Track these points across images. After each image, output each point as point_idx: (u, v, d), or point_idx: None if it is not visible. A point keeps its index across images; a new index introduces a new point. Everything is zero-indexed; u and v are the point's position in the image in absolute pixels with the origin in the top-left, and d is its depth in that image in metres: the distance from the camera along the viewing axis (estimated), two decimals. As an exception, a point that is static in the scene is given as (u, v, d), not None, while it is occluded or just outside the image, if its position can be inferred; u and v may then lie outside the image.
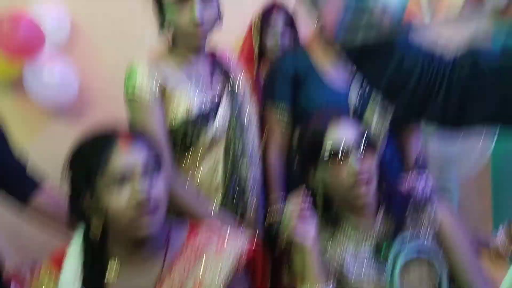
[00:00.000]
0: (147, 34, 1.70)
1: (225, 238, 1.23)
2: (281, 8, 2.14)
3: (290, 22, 2.15)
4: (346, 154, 1.27)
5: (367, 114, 1.69)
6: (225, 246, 1.20)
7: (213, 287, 1.14)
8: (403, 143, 1.86)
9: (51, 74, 2.35)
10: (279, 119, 1.74)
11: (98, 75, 2.50)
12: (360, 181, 1.26)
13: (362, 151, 1.28)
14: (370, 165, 1.28)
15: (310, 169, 1.34)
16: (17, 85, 2.42)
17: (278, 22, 2.12)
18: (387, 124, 1.74)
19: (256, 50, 2.17)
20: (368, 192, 1.27)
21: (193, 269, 1.17)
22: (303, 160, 1.36)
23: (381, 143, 1.73)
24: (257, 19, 2.16)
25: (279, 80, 1.73)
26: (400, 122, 1.82)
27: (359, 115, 1.68)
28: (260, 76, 2.09)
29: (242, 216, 1.56)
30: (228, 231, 1.27)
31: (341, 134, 1.29)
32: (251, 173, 1.59)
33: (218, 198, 1.53)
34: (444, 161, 2.20)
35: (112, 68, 2.32)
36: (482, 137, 2.13)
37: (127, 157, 1.12)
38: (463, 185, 2.39)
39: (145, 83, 1.45)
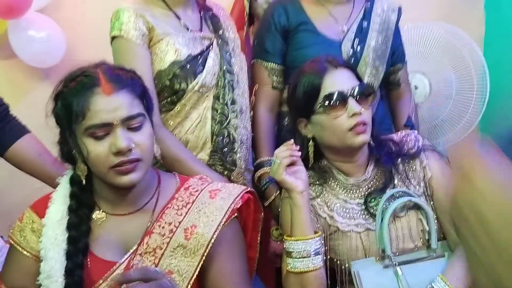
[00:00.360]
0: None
1: (218, 187, 1.21)
2: None
3: None
4: (344, 98, 1.26)
5: (360, 67, 1.65)
6: (218, 194, 1.18)
7: (206, 234, 1.12)
8: (394, 104, 1.84)
9: (37, 34, 2.29)
10: (269, 75, 1.69)
11: (83, 35, 2.44)
12: (359, 122, 1.25)
13: (359, 97, 1.27)
14: (366, 111, 1.27)
15: (303, 120, 1.32)
16: (2, 46, 2.35)
17: None
18: (378, 83, 1.71)
19: (247, 8, 2.13)
20: (365, 133, 1.27)
21: (185, 217, 1.15)
22: (297, 111, 1.33)
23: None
24: None
25: (270, 33, 1.67)
26: (391, 83, 1.81)
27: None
28: (250, 37, 2.04)
29: (231, 170, 1.53)
30: (221, 182, 1.26)
31: (339, 79, 1.28)
32: (242, 123, 1.56)
33: (206, 150, 1.50)
34: (432, 126, 2.20)
35: (97, 28, 2.29)
36: (472, 103, 2.13)
37: (107, 105, 1.06)
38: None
39: (133, 20, 1.41)
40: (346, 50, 1.65)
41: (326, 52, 1.59)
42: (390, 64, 1.75)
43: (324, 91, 1.27)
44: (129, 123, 1.08)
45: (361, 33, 1.68)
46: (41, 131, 2.41)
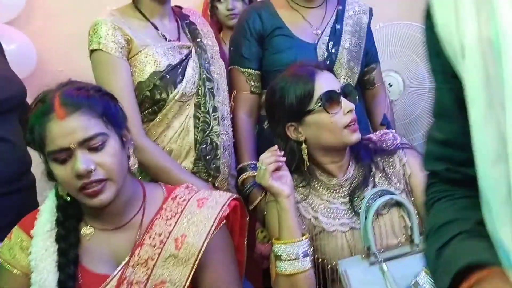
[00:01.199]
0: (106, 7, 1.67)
1: (205, 196, 1.22)
2: None
3: None
4: (338, 97, 1.30)
5: (335, 69, 1.68)
6: (206, 203, 1.19)
7: (196, 243, 1.13)
8: (370, 104, 1.88)
9: (7, 47, 2.24)
10: (247, 81, 1.70)
11: (54, 47, 2.41)
12: (353, 119, 1.31)
13: (348, 96, 1.33)
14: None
15: (293, 124, 1.34)
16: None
17: None
18: (354, 83, 1.74)
19: (208, 14, 2.21)
20: (358, 131, 1.32)
21: (174, 227, 1.15)
22: (287, 116, 1.34)
23: None
24: None
25: (245, 39, 1.69)
26: (366, 83, 1.85)
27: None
28: (220, 41, 2.06)
29: (215, 177, 1.54)
30: (207, 190, 1.28)
31: (329, 80, 1.33)
32: (224, 129, 1.57)
33: (190, 159, 1.51)
34: (408, 122, 2.25)
35: (67, 39, 2.27)
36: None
37: (62, 130, 1.05)
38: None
39: (111, 33, 1.41)
40: (321, 52, 1.69)
41: (302, 56, 1.63)
42: (364, 64, 1.79)
43: (318, 92, 1.30)
44: (89, 144, 1.07)
45: (335, 36, 1.71)
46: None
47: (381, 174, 1.36)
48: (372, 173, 1.35)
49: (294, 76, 1.35)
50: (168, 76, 1.45)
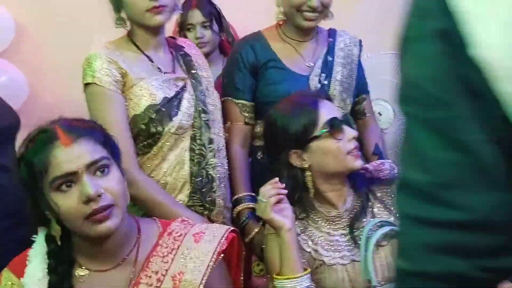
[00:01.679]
0: (95, 38, 1.68)
1: (201, 229, 1.20)
2: (201, 0, 2.19)
3: (213, 14, 2.21)
4: (341, 124, 1.33)
5: None
6: (203, 237, 1.17)
7: (195, 281, 1.10)
8: (361, 134, 1.89)
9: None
10: (241, 112, 1.72)
11: (45, 78, 2.41)
12: (356, 146, 1.33)
13: (348, 123, 1.37)
14: None
15: (297, 151, 1.34)
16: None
17: (195, 16, 2.18)
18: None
19: None
20: (360, 157, 1.34)
21: (171, 264, 1.13)
22: (291, 143, 1.34)
23: None
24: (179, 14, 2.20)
25: (239, 71, 1.71)
26: (356, 113, 1.87)
27: None
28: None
29: (211, 210, 1.53)
30: (203, 223, 1.26)
31: (332, 108, 1.37)
32: (220, 161, 1.56)
33: (185, 192, 1.49)
34: (398, 153, 2.27)
35: (59, 71, 2.26)
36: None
37: (68, 155, 1.04)
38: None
39: (106, 67, 1.41)
40: (314, 84, 1.71)
41: (296, 87, 1.65)
42: (355, 95, 1.83)
43: (323, 118, 1.32)
44: (95, 168, 1.06)
45: (327, 68, 1.75)
46: None
47: (379, 204, 1.36)
48: (370, 203, 1.36)
49: (297, 105, 1.36)
50: (164, 109, 1.44)
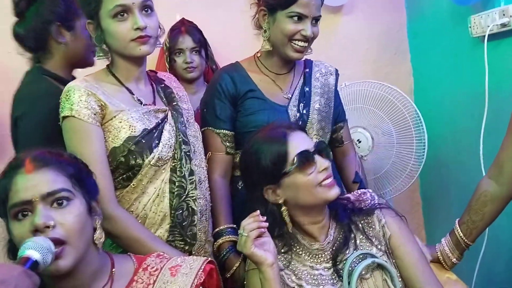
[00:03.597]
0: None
1: (177, 263, 1.18)
2: (190, 27, 2.26)
3: (201, 41, 2.28)
4: (312, 156, 1.30)
5: (307, 129, 1.72)
6: (179, 270, 1.15)
7: None
8: (340, 162, 1.91)
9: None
10: (222, 142, 1.71)
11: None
12: (328, 176, 1.30)
13: (321, 153, 1.33)
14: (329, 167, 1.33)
15: (271, 187, 1.33)
16: None
17: (185, 42, 2.25)
18: (326, 141, 1.78)
19: (167, 67, 2.28)
20: (335, 186, 1.32)
21: None
22: (264, 179, 1.33)
23: None
24: (166, 39, 2.26)
25: (220, 101, 1.71)
26: (334, 141, 1.89)
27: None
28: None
29: (192, 244, 1.50)
30: (180, 257, 1.23)
31: (301, 140, 1.33)
32: (201, 193, 1.54)
33: (165, 226, 1.46)
34: (378, 177, 2.29)
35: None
36: (413, 152, 2.25)
37: (26, 183, 1.03)
38: (397, 202, 2.50)
39: (84, 99, 1.38)
40: (293, 113, 1.72)
41: (275, 117, 1.66)
42: (333, 123, 1.84)
43: (292, 153, 1.30)
44: (52, 200, 1.04)
45: (304, 97, 1.76)
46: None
47: (362, 236, 1.35)
48: (352, 234, 1.35)
49: (267, 139, 1.35)
50: (144, 141, 1.42)
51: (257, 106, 1.70)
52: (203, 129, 1.73)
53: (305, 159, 1.29)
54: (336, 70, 1.89)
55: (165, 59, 2.29)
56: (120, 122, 1.42)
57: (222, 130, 1.71)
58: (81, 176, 1.11)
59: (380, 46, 2.79)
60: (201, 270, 1.16)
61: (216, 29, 2.44)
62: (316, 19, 1.66)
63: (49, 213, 1.02)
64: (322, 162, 1.31)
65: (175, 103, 1.58)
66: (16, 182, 1.04)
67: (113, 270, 1.15)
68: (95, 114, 1.39)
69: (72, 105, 1.38)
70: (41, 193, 1.02)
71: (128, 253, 1.25)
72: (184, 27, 2.26)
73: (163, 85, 1.62)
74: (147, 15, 1.42)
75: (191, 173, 1.51)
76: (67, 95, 1.40)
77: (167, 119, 1.51)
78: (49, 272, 1.02)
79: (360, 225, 1.36)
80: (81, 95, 1.39)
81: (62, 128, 1.41)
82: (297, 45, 1.66)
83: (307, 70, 1.82)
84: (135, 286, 1.13)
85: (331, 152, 1.38)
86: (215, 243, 1.60)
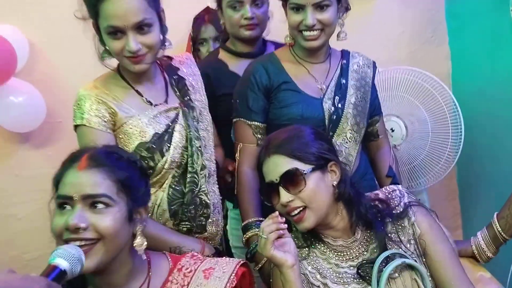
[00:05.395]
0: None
1: (211, 265, 1.20)
2: (214, 15, 2.17)
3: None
4: (275, 188, 1.33)
5: (342, 124, 1.69)
6: (212, 273, 1.17)
7: None
8: (374, 155, 1.88)
9: (15, 99, 2.27)
10: (254, 133, 1.69)
11: (61, 95, 2.43)
12: (290, 210, 1.31)
13: (288, 183, 1.32)
14: (303, 193, 1.31)
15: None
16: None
17: (208, 31, 2.18)
18: (360, 137, 1.75)
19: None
20: (304, 219, 1.31)
21: None
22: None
23: (356, 155, 1.74)
24: (190, 29, 2.22)
25: (252, 93, 1.69)
26: (369, 135, 1.86)
27: (334, 124, 1.68)
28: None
29: (205, 236, 1.54)
30: (213, 258, 1.25)
31: (271, 168, 1.34)
32: (211, 186, 1.56)
33: (178, 220, 1.49)
34: (412, 167, 2.24)
35: (74, 86, 2.27)
36: (449, 141, 2.18)
37: (73, 179, 1.07)
38: (432, 190, 2.45)
39: (95, 108, 1.41)
40: (328, 107, 1.68)
41: (308, 110, 1.65)
42: (368, 117, 1.80)
43: (265, 180, 1.37)
44: (90, 202, 1.07)
45: (340, 90, 1.72)
46: (22, 195, 2.41)
47: (390, 236, 1.33)
48: (385, 244, 1.32)
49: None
50: (155, 146, 1.44)
51: (291, 99, 1.67)
52: (235, 120, 1.73)
53: (267, 191, 1.35)
54: (374, 63, 1.84)
55: (190, 50, 2.25)
56: (131, 128, 1.43)
57: (254, 122, 1.70)
58: (130, 183, 1.13)
59: (415, 29, 2.69)
60: (233, 274, 1.17)
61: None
62: (320, 6, 1.60)
63: (84, 215, 1.05)
64: (282, 199, 1.30)
65: (188, 97, 1.57)
66: (67, 175, 1.08)
67: (150, 269, 1.18)
68: (105, 122, 1.41)
69: (83, 113, 1.41)
70: (83, 193, 1.06)
71: (164, 252, 1.28)
72: (208, 15, 2.20)
73: (176, 76, 1.60)
74: (144, 33, 1.38)
75: (203, 167, 1.53)
76: (78, 104, 1.43)
77: (177, 119, 1.51)
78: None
79: (389, 225, 1.34)
80: (92, 104, 1.41)
81: (77, 135, 1.44)
82: (305, 35, 1.63)
83: (344, 61, 1.77)
84: (170, 287, 1.16)
85: (302, 180, 1.30)
86: (244, 236, 1.61)
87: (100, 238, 1.06)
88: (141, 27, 1.37)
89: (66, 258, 0.98)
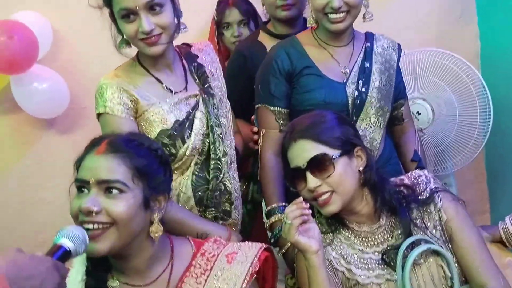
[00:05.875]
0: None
1: (234, 250, 1.20)
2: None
3: (250, 12, 2.17)
4: (302, 173, 1.31)
5: (366, 108, 1.66)
6: (235, 258, 1.18)
7: None
8: (399, 140, 1.84)
9: (39, 86, 2.31)
10: (276, 119, 1.68)
11: (85, 81, 2.45)
12: (317, 196, 1.30)
13: (316, 168, 1.31)
14: (330, 178, 1.29)
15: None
16: (6, 98, 2.39)
17: (232, 14, 2.15)
18: (385, 122, 1.72)
19: (215, 42, 2.20)
20: (329, 203, 1.31)
21: (204, 285, 1.14)
22: None
23: (380, 140, 1.70)
24: (214, 12, 2.19)
25: (274, 78, 1.66)
26: (394, 119, 1.82)
27: (357, 108, 1.65)
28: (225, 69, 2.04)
29: (229, 222, 1.55)
30: (236, 243, 1.25)
31: (296, 153, 1.33)
32: (232, 173, 1.56)
33: (203, 207, 1.51)
34: (439, 150, 2.20)
35: (97, 72, 2.29)
36: (477, 124, 2.13)
37: (91, 164, 1.10)
38: (459, 173, 2.40)
39: (117, 96, 1.42)
40: (351, 92, 1.65)
41: (332, 95, 1.62)
42: (393, 101, 1.76)
43: (290, 165, 1.35)
44: (105, 187, 1.08)
45: (364, 74, 1.68)
46: (47, 180, 2.45)
47: (416, 222, 1.32)
48: (410, 230, 1.30)
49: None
50: (176, 133, 1.45)
51: (314, 84, 1.64)
52: (257, 105, 1.72)
53: (295, 176, 1.32)
54: (399, 45, 1.79)
55: (215, 33, 2.23)
56: (152, 115, 1.45)
57: (276, 108, 1.68)
58: (148, 170, 1.13)
59: (443, 8, 2.61)
60: (256, 259, 1.18)
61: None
62: None
63: (98, 199, 1.07)
64: (309, 183, 1.29)
65: (207, 84, 1.57)
66: (86, 159, 1.11)
67: (173, 253, 1.19)
68: (128, 109, 1.42)
69: (105, 102, 1.42)
70: (98, 177, 1.07)
71: (187, 237, 1.28)
72: None
73: (196, 63, 1.60)
74: (156, 13, 1.38)
75: (225, 154, 1.54)
76: (100, 93, 1.44)
77: (198, 106, 1.51)
78: (85, 253, 1.08)
79: (415, 212, 1.33)
80: (114, 92, 1.42)
81: (99, 123, 1.46)
82: (331, 17, 1.59)
83: (368, 44, 1.72)
84: (193, 271, 1.17)
85: (330, 164, 1.29)
86: (268, 221, 1.61)
87: (113, 222, 1.07)
88: (152, 7, 1.38)
89: (70, 239, 1.00)
